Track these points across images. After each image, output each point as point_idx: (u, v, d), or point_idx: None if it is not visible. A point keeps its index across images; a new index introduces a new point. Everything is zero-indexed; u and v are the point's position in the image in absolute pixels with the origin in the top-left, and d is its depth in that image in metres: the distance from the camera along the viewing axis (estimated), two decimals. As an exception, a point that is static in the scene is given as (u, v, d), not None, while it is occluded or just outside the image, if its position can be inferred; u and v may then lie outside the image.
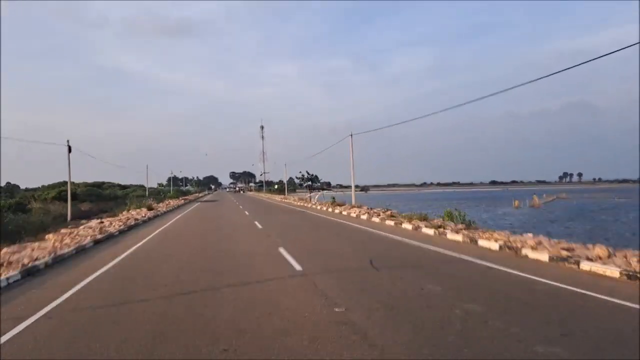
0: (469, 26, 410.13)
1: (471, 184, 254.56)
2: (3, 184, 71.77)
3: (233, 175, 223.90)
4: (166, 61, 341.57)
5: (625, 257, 7.23)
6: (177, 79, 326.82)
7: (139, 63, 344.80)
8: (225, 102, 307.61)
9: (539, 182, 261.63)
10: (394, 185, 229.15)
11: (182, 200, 47.33)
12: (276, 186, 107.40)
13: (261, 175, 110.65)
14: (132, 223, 18.05)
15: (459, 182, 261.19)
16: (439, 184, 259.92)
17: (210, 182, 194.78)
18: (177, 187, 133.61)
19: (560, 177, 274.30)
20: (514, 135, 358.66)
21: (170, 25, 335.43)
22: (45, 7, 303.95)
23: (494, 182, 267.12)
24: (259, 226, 15.83)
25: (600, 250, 7.69)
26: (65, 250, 10.35)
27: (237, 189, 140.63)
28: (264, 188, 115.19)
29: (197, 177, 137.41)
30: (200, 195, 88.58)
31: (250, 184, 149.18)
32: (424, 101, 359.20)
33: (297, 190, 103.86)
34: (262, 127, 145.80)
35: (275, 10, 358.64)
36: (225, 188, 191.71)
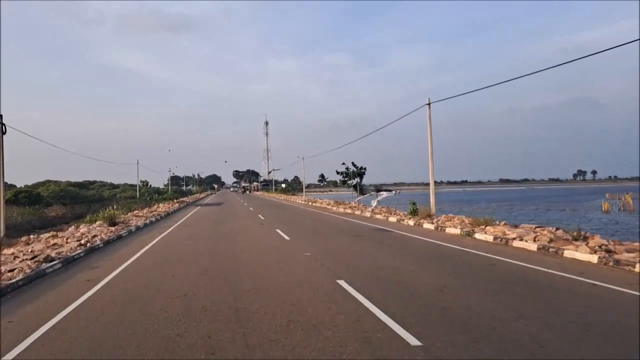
0: (470, 23, 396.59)
1: (479, 182, 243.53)
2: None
3: (236, 174, 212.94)
4: (166, 59, 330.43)
5: None
6: (176, 77, 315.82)
7: (138, 61, 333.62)
8: (226, 100, 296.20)
9: (552, 180, 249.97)
10: (400, 184, 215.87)
11: (177, 204, 36.33)
12: (283, 185, 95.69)
13: (269, 173, 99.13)
14: (12, 281, 7.04)
15: (466, 181, 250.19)
16: (448, 183, 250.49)
17: (213, 182, 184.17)
18: (178, 186, 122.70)
19: (575, 175, 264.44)
20: (516, 131, 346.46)
21: (170, 22, 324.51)
22: (44, 7, 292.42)
23: (506, 181, 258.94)
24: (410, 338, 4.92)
25: None
26: None
27: (243, 188, 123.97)
28: (272, 187, 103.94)
29: (199, 174, 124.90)
30: (202, 196, 77.26)
31: (255, 183, 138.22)
32: (425, 97, 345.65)
33: (305, 190, 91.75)
34: (266, 123, 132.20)
35: (275, 7, 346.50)
36: (229, 187, 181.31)
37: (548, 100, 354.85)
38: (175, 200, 43.46)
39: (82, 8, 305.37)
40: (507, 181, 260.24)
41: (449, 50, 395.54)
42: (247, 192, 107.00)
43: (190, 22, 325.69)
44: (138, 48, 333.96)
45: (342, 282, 6.26)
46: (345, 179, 26.82)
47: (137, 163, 51.85)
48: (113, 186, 78.22)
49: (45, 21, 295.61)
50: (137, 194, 52.11)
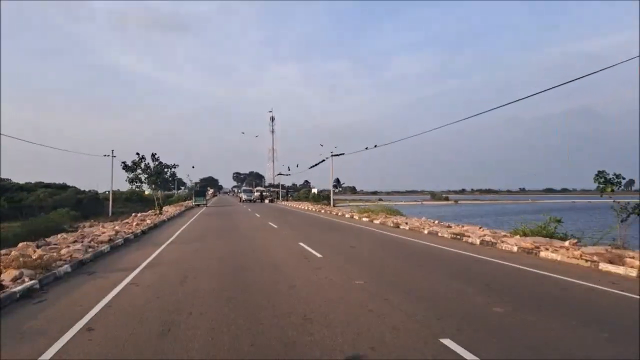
0: (472, 30, 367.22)
1: (509, 192, 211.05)
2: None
3: (237, 176, 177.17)
4: (165, 61, 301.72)
5: None
6: (174, 79, 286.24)
7: (135, 62, 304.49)
8: (226, 103, 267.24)
9: (585, 191, 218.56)
10: (412, 191, 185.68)
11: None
12: (315, 190, 59.52)
13: (311, 167, 60.99)
14: None
15: (489, 190, 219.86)
16: (480, 191, 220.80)
17: (208, 185, 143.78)
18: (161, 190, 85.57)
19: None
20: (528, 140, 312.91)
21: (170, 24, 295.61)
22: (43, 6, 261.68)
23: (549, 190, 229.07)
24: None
25: None
26: None
27: (258, 193, 68.89)
28: (282, 194, 66.47)
29: (172, 167, 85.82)
30: (164, 215, 30.90)
31: (258, 187, 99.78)
32: (427, 103, 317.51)
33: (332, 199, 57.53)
34: (272, 119, 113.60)
35: (277, 12, 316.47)
36: (227, 192, 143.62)
37: (568, 105, 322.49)
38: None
39: (84, 9, 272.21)
40: (551, 190, 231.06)
41: (452, 57, 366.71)
42: (267, 201, 62.90)
43: (191, 26, 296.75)
44: (137, 50, 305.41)
45: None
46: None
47: None
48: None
49: (41, 20, 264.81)
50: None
